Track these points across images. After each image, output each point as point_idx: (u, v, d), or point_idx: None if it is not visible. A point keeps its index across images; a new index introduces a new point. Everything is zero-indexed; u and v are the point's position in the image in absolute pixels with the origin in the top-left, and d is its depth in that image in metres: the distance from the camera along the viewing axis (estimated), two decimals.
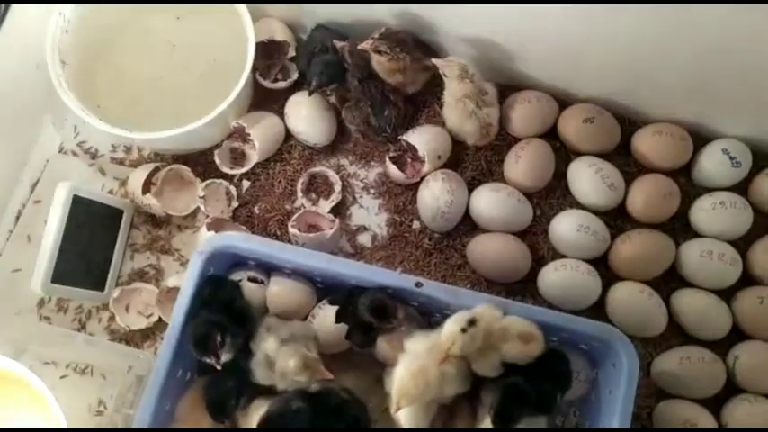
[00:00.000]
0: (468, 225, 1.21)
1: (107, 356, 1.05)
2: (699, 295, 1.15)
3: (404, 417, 0.97)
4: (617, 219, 1.20)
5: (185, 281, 1.01)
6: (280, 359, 0.97)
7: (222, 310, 0.99)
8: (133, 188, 1.19)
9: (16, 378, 0.96)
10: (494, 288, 1.17)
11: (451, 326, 0.93)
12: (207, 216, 1.19)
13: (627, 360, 0.97)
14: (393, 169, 1.21)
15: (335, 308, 1.06)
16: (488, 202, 1.18)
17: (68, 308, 1.19)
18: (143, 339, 1.16)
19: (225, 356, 0.97)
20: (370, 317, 1.01)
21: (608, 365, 1.02)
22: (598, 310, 1.15)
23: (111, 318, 1.17)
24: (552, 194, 1.22)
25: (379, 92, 1.20)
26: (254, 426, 0.96)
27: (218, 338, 0.94)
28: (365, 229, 1.23)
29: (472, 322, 0.93)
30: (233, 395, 0.99)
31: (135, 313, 1.17)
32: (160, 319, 1.15)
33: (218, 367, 0.94)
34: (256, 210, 1.23)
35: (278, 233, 1.21)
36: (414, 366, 0.94)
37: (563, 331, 1.02)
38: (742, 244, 1.18)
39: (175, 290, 1.05)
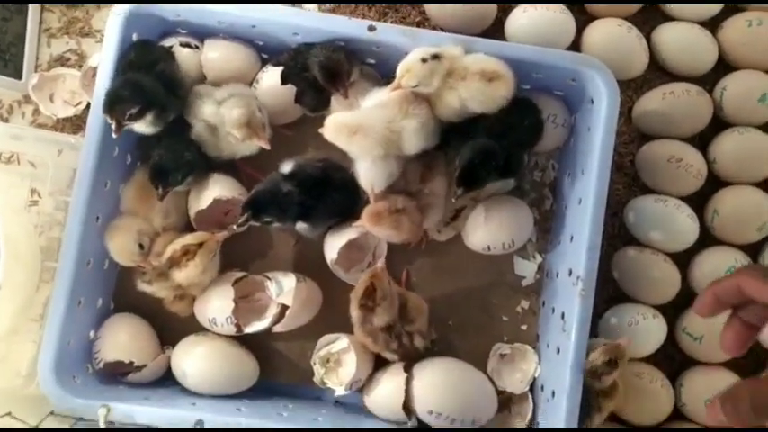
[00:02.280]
0: None
1: (33, 144, 0.94)
2: (681, 27, 1.04)
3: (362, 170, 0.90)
4: None
5: (104, 48, 0.90)
6: (224, 111, 0.89)
7: (150, 75, 0.88)
8: None
9: None
10: None
11: (413, 55, 0.85)
12: None
13: (606, 91, 0.88)
14: None
15: (280, 69, 0.95)
16: None
17: None
18: (74, 131, 1.05)
19: (141, 126, 0.88)
20: (324, 79, 0.90)
21: (586, 104, 0.93)
22: None
23: (36, 111, 1.05)
24: None
25: None
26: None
27: (135, 108, 0.84)
28: None
29: (436, 56, 0.85)
30: (181, 168, 0.89)
31: (61, 102, 1.05)
32: (89, 105, 1.02)
33: (114, 135, 0.84)
34: None
35: None
36: (373, 107, 0.86)
37: (536, 70, 0.92)
38: None
39: None
